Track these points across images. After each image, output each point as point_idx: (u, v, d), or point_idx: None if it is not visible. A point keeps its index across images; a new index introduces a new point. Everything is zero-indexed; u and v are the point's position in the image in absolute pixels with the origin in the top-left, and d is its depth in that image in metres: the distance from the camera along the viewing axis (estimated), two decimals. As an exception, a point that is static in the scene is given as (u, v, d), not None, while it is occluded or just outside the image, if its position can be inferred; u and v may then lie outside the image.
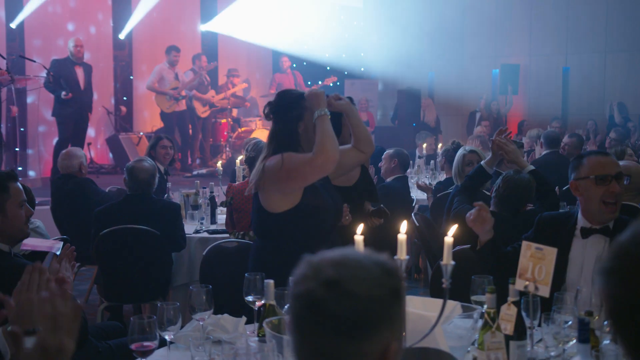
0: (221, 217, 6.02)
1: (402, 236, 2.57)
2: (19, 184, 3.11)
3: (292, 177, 3.34)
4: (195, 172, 12.09)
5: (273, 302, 2.64)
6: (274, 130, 3.49)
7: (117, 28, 13.28)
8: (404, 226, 2.35)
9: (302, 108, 3.43)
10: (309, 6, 14.77)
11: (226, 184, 7.33)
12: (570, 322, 2.52)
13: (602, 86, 15.88)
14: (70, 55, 10.36)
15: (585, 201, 3.24)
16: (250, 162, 5.23)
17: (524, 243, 2.55)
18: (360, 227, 2.54)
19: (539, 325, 2.61)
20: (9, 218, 3.05)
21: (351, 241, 2.81)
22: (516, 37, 16.56)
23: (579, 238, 3.25)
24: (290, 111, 3.44)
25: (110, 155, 12.80)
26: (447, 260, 2.30)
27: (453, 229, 2.33)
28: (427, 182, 7.55)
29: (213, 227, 5.77)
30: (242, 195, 4.97)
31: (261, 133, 11.95)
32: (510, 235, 4.01)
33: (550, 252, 2.45)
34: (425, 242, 5.78)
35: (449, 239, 2.30)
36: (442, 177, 7.57)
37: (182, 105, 12.38)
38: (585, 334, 1.94)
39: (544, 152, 7.96)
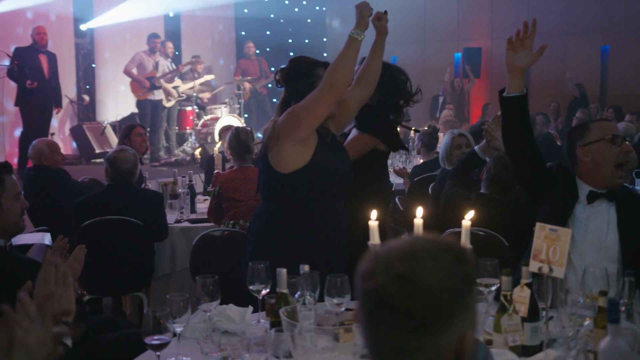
0: (200, 205, 5.95)
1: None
2: (13, 176, 3.01)
3: (302, 116, 3.25)
4: (162, 161, 11.94)
5: (285, 291, 2.61)
6: (285, 98, 3.42)
7: (78, 15, 12.98)
8: (419, 211, 2.34)
9: (316, 76, 3.35)
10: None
11: (201, 173, 7.27)
12: (582, 302, 2.53)
13: (562, 68, 16.10)
14: (34, 43, 10.11)
15: (596, 165, 3.19)
16: (238, 148, 5.16)
17: (538, 224, 2.54)
18: (374, 213, 2.52)
19: (551, 306, 2.62)
20: (5, 211, 2.95)
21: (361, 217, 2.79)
22: (478, 20, 16.67)
23: (582, 203, 3.24)
24: (303, 79, 3.36)
25: (74, 145, 12.54)
26: (466, 244, 2.29)
27: (471, 214, 2.32)
28: (402, 167, 7.55)
29: (193, 216, 5.70)
30: (231, 183, 4.91)
31: (228, 120, 11.83)
32: (501, 216, 4.05)
33: (565, 233, 2.45)
34: (408, 226, 5.78)
35: (466, 222, 2.29)
36: (418, 160, 7.57)
37: (155, 95, 12.21)
38: (616, 314, 1.94)
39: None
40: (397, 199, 5.76)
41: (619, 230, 3.13)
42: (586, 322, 2.49)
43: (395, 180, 7.45)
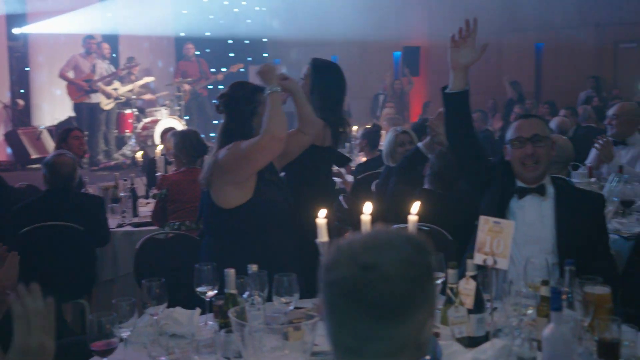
0: (143, 209, 5.87)
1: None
2: None
3: (242, 163, 3.29)
4: (102, 165, 11.72)
5: (234, 291, 2.60)
6: (226, 125, 3.42)
7: (10, 17, 12.64)
8: (368, 207, 2.35)
9: (257, 102, 3.38)
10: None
11: (143, 176, 7.17)
12: (525, 292, 2.59)
13: (499, 66, 16.43)
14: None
15: (512, 163, 3.36)
16: (191, 150, 5.12)
17: (482, 218, 2.60)
18: (322, 211, 2.53)
19: (496, 298, 2.67)
20: None
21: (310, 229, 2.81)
22: (416, 19, 16.88)
23: (515, 199, 3.34)
24: (245, 105, 3.38)
25: (9, 151, 12.20)
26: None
27: (417, 206, 2.35)
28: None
29: (136, 220, 5.62)
30: (179, 185, 4.86)
31: (168, 122, 11.70)
32: (445, 211, 4.11)
33: (508, 225, 2.51)
34: (353, 224, 5.82)
35: (413, 217, 2.32)
36: (360, 158, 7.62)
37: (92, 98, 11.97)
38: (559, 302, 2.00)
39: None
40: (341, 198, 5.79)
41: (555, 224, 3.23)
42: (529, 312, 2.55)
43: (335, 179, 7.48)
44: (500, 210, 3.27)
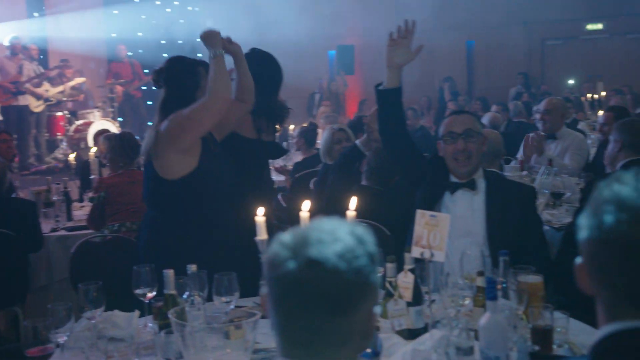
0: (77, 213, 5.75)
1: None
2: None
3: (186, 127, 3.26)
4: (33, 169, 11.43)
5: (173, 292, 2.57)
6: (167, 98, 3.36)
7: None
8: (306, 204, 2.37)
9: (199, 75, 3.35)
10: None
11: (76, 179, 7.02)
12: (461, 283, 2.64)
13: (431, 63, 16.69)
14: None
15: (445, 159, 3.44)
16: (130, 152, 5.04)
17: (419, 211, 2.64)
18: (261, 209, 2.53)
19: (434, 290, 2.72)
20: None
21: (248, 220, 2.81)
22: (350, 18, 16.99)
23: (448, 193, 3.43)
24: (186, 78, 3.35)
25: None
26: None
27: (354, 201, 2.38)
28: (283, 164, 7.58)
29: (70, 224, 5.50)
30: (117, 187, 4.79)
31: (101, 124, 11.48)
32: (383, 206, 4.15)
33: (444, 218, 2.56)
34: (292, 222, 5.83)
35: (351, 212, 2.34)
36: (298, 157, 7.63)
37: (20, 100, 11.63)
38: (494, 291, 2.05)
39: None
40: (279, 196, 5.80)
41: (486, 217, 3.31)
42: (466, 302, 2.61)
43: (276, 177, 7.48)
44: (434, 205, 3.36)
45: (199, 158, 3.32)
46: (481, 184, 3.41)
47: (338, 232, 1.38)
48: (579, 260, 1.36)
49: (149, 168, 3.37)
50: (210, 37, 3.37)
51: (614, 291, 1.30)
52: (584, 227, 1.33)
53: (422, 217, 2.59)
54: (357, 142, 4.61)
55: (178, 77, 3.35)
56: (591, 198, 1.34)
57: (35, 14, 13.73)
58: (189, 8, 16.14)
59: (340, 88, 15.79)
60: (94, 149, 6.20)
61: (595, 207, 1.31)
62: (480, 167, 3.45)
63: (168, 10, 15.42)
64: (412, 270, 2.61)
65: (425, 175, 3.48)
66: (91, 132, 11.08)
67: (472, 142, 3.36)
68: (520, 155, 6.10)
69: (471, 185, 3.38)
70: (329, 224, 1.41)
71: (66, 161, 11.16)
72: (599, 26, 16.02)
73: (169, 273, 2.54)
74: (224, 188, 3.44)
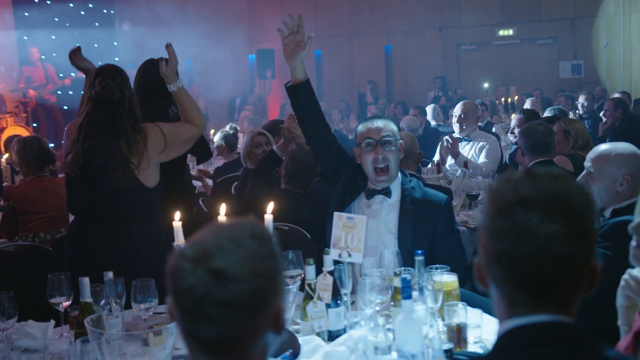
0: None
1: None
2: None
3: (175, 146, 3.54)
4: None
5: (89, 300, 2.53)
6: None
7: None
8: (222, 208, 2.37)
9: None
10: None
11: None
12: (379, 283, 2.69)
13: (351, 68, 16.90)
14: None
15: (363, 166, 3.42)
16: (41, 158, 4.91)
17: (336, 214, 2.68)
18: (177, 214, 2.51)
19: (352, 292, 2.77)
20: None
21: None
22: (269, 22, 17.00)
23: (362, 198, 3.45)
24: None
25: None
26: (269, 237, 2.35)
27: (271, 205, 2.39)
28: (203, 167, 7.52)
29: (-20, 233, 5.31)
30: (27, 196, 4.65)
31: (14, 130, 11.11)
32: (302, 209, 4.18)
33: (361, 220, 2.60)
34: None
35: (268, 216, 2.36)
36: (219, 162, 7.58)
37: None
38: (408, 290, 2.10)
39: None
40: (200, 201, 5.75)
41: (398, 227, 3.34)
42: (385, 303, 2.66)
43: (196, 183, 7.42)
44: (348, 206, 3.38)
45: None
46: (396, 192, 3.42)
47: (239, 237, 1.38)
48: (476, 258, 1.42)
49: (130, 179, 3.40)
50: (173, 72, 3.65)
51: (509, 286, 1.37)
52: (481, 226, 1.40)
53: (339, 219, 2.63)
54: (274, 147, 4.63)
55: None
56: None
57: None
58: (104, 11, 15.83)
59: (263, 92, 15.78)
60: (5, 156, 6.00)
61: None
62: (397, 174, 3.45)
63: (82, 13, 15.06)
64: (331, 272, 2.65)
65: (342, 174, 3.50)
66: (3, 138, 10.71)
67: (390, 150, 3.35)
68: (436, 157, 6.26)
69: (387, 193, 3.41)
70: (228, 229, 1.41)
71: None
72: (510, 32, 16.55)
73: (84, 281, 2.50)
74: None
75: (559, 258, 1.32)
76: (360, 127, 3.48)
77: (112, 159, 3.36)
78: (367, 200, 3.42)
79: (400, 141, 3.47)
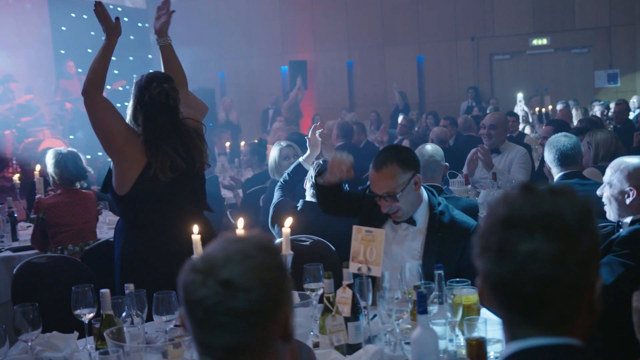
0: (23, 233, 5.66)
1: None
2: None
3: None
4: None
5: (110, 312, 2.56)
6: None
7: None
8: (240, 222, 2.39)
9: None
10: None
11: (23, 199, 6.90)
12: (399, 298, 2.68)
13: (383, 78, 16.88)
14: None
15: None
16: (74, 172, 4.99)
17: (355, 227, 2.68)
18: (196, 227, 2.54)
19: (372, 304, 2.76)
20: None
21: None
22: (300, 33, 17.09)
23: (390, 223, 3.44)
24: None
25: None
26: (287, 250, 2.36)
27: (289, 221, 2.41)
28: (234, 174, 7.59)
29: (15, 244, 5.41)
30: (55, 209, 4.73)
31: (50, 143, 11.31)
32: (326, 222, 4.17)
33: (380, 234, 2.60)
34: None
35: (286, 230, 2.37)
36: (248, 174, 7.64)
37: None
38: (424, 305, 2.09)
39: (338, 144, 8.18)
40: (228, 213, 5.80)
41: (423, 253, 3.32)
42: (405, 316, 2.65)
43: (226, 194, 7.48)
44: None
45: None
46: (422, 217, 3.38)
47: (246, 248, 1.42)
48: (478, 280, 1.41)
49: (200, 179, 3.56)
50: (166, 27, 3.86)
51: (500, 307, 1.36)
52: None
53: (358, 233, 2.63)
54: (301, 159, 4.64)
55: None
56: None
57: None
58: (139, 24, 16.06)
59: (295, 103, 15.86)
60: (39, 168, 6.10)
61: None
62: (420, 203, 3.39)
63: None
64: (350, 286, 2.65)
65: (361, 210, 3.55)
66: (40, 150, 10.91)
67: (396, 200, 3.29)
68: (465, 169, 6.21)
69: (411, 222, 3.38)
70: (236, 242, 1.45)
71: (12, 180, 10.95)
72: (544, 41, 16.38)
73: (105, 293, 2.53)
74: None
75: (539, 278, 1.30)
76: (369, 170, 3.44)
77: (200, 159, 3.50)
78: (393, 225, 3.42)
79: (414, 177, 3.34)
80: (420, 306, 2.10)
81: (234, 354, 1.42)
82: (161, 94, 3.42)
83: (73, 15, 14.51)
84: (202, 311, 1.39)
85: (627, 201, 3.05)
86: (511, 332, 1.36)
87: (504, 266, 1.31)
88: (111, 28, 3.58)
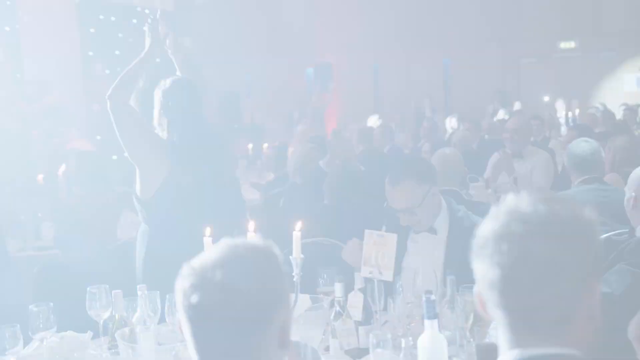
0: (47, 232, 5.73)
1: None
2: None
3: None
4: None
5: (123, 313, 2.59)
6: None
7: None
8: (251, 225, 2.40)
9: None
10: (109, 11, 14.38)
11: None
12: (412, 302, 2.68)
13: (407, 82, 16.83)
14: None
15: None
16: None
17: (367, 232, 2.68)
18: (208, 229, 2.55)
19: (384, 309, 2.75)
20: None
21: None
22: (327, 36, 17.11)
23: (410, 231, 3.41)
24: None
25: None
26: (297, 254, 2.37)
27: (299, 224, 2.41)
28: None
29: (39, 243, 5.49)
30: (74, 211, 4.81)
31: (78, 142, 11.42)
32: (343, 225, 4.16)
33: (391, 238, 2.60)
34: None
35: (297, 233, 2.37)
36: (270, 176, 7.65)
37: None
38: (432, 310, 2.09)
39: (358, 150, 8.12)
40: (248, 215, 5.80)
41: (444, 262, 3.28)
42: (416, 322, 2.64)
43: (250, 195, 7.49)
44: (402, 242, 3.30)
45: None
46: (443, 227, 3.33)
47: (244, 253, 1.42)
48: (475, 287, 1.40)
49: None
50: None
51: (511, 317, 1.34)
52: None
53: (370, 237, 2.63)
54: (321, 162, 4.65)
55: None
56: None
57: (7, 28, 13.67)
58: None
59: (321, 105, 15.87)
60: (63, 168, 6.17)
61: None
62: (439, 211, 3.34)
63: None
64: (361, 290, 2.64)
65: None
66: (68, 150, 11.03)
67: (414, 213, 3.24)
68: (487, 173, 6.16)
69: (432, 231, 3.33)
70: (234, 244, 1.45)
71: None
72: (572, 44, 16.22)
73: (117, 294, 2.56)
74: None
75: (535, 277, 1.29)
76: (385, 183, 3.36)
77: (223, 163, 3.65)
78: (414, 234, 3.39)
79: (431, 190, 3.28)
80: (429, 311, 2.09)
81: (231, 358, 1.41)
82: (184, 98, 3.46)
83: (101, 17, 14.67)
84: (199, 316, 1.39)
85: (631, 208, 3.01)
86: (507, 337, 1.34)
87: (493, 272, 1.31)
88: (158, 40, 3.64)
